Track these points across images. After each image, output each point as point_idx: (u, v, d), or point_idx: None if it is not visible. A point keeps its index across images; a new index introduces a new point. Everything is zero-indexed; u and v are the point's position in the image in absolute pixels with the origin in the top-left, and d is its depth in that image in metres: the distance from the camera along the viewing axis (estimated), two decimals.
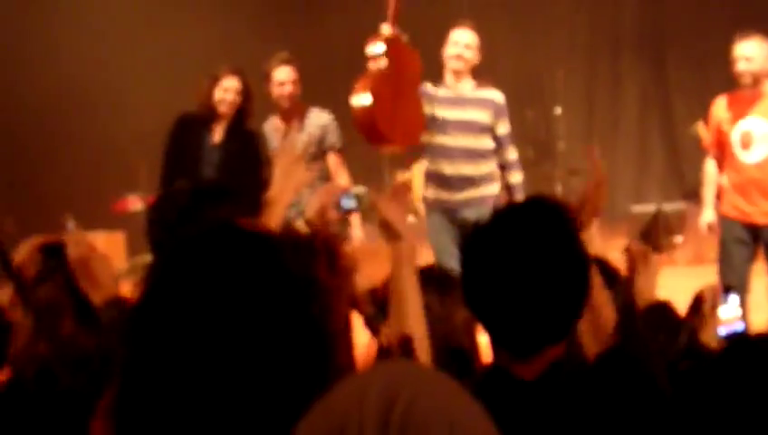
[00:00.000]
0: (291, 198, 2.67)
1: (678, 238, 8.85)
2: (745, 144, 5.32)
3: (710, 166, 5.58)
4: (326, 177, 5.66)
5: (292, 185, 2.66)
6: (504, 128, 5.53)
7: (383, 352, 2.11)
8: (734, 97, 5.44)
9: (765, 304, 5.22)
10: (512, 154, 5.57)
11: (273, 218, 2.54)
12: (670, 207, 9.43)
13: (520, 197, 5.46)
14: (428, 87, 5.43)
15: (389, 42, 5.22)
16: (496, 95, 5.53)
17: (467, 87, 5.50)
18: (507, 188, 5.54)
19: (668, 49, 11.28)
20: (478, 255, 1.87)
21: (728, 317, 2.71)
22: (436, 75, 5.55)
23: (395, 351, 2.04)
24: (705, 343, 2.45)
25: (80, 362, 2.00)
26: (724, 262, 5.40)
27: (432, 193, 5.53)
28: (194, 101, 5.90)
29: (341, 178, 5.77)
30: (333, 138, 5.77)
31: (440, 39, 5.50)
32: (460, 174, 5.42)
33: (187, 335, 1.14)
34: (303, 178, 2.73)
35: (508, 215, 1.99)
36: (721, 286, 2.74)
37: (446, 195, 5.42)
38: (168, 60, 10.44)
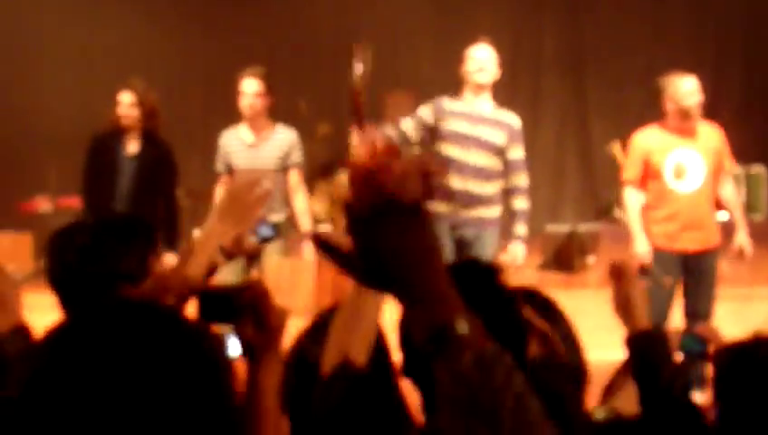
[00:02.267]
0: (220, 243, 2.52)
1: (591, 259, 8.95)
2: (678, 174, 5.47)
3: (633, 196, 5.66)
4: (285, 193, 5.89)
5: (225, 233, 2.51)
6: (517, 153, 5.54)
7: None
8: (664, 127, 5.58)
9: None
10: (521, 180, 5.57)
11: (196, 265, 2.44)
12: (584, 227, 9.54)
13: (521, 225, 5.53)
14: (445, 101, 5.50)
15: None
16: (513, 119, 5.57)
17: (486, 106, 5.54)
18: (512, 213, 5.57)
19: (587, 69, 11.50)
20: None
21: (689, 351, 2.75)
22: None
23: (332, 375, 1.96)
24: None
25: None
26: (655, 294, 5.32)
27: (434, 205, 5.37)
28: (105, 106, 6.16)
29: (300, 195, 5.98)
30: (297, 156, 5.94)
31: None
32: (467, 190, 5.41)
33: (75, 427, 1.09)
34: (245, 224, 2.57)
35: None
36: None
37: (448, 209, 5.37)
38: (81, 61, 10.29)
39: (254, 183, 2.58)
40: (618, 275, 2.34)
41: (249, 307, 1.68)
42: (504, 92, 10.93)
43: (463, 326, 1.10)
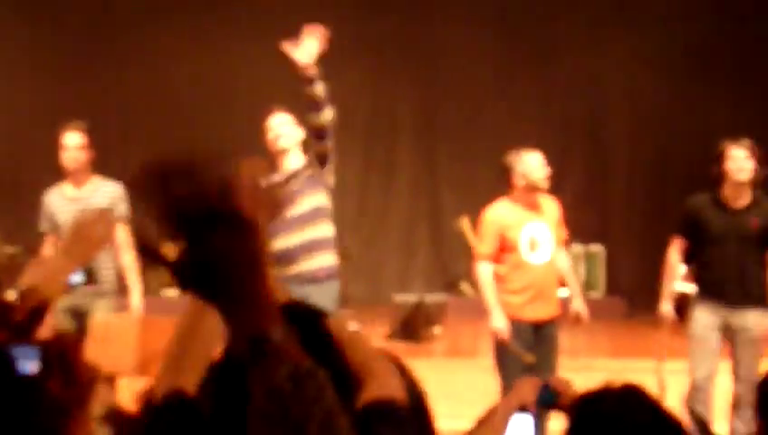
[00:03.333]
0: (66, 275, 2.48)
1: (438, 329, 9.05)
2: (532, 247, 5.59)
3: (487, 270, 5.68)
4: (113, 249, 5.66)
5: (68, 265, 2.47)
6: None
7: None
8: (513, 201, 5.69)
9: None
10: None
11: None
12: (431, 298, 9.65)
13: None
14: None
15: None
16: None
17: (296, 162, 5.46)
18: None
19: (440, 144, 11.70)
20: None
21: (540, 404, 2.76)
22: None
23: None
24: None
25: None
26: (509, 365, 5.48)
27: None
28: None
29: (127, 250, 5.79)
30: (123, 209, 5.79)
31: None
32: (287, 247, 5.23)
33: None
34: (88, 260, 2.57)
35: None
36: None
37: (281, 271, 5.17)
38: None
39: (101, 219, 2.54)
40: None
41: (57, 360, 1.58)
42: (359, 161, 11.14)
43: (277, 334, 1.14)
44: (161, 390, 1.87)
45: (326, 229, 5.44)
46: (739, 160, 5.64)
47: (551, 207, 5.78)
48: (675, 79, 10.52)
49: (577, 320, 5.79)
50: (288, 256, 5.25)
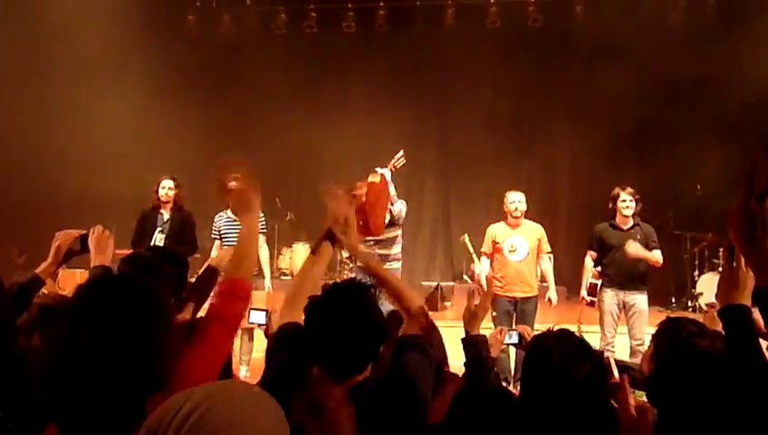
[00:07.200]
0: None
1: (448, 304, 9.10)
2: (511, 251, 5.67)
3: (485, 263, 5.80)
4: None
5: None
6: (396, 207, 5.61)
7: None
8: (504, 222, 5.81)
9: None
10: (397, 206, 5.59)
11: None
12: (444, 284, 9.70)
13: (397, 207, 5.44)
14: None
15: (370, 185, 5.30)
16: (398, 205, 5.73)
17: None
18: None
19: (451, 191, 11.60)
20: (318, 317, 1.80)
21: (509, 342, 2.88)
22: None
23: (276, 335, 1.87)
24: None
25: None
26: (497, 322, 5.59)
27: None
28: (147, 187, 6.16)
29: (263, 248, 5.91)
30: (262, 224, 5.81)
31: None
32: (377, 254, 5.47)
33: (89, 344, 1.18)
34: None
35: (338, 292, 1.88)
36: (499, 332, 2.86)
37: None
38: (142, 156, 10.07)
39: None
40: (470, 298, 2.37)
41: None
42: (402, 198, 11.10)
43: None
44: (281, 321, 1.94)
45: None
46: (626, 201, 5.67)
47: (533, 228, 5.78)
48: (601, 158, 10.33)
49: (549, 302, 5.81)
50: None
